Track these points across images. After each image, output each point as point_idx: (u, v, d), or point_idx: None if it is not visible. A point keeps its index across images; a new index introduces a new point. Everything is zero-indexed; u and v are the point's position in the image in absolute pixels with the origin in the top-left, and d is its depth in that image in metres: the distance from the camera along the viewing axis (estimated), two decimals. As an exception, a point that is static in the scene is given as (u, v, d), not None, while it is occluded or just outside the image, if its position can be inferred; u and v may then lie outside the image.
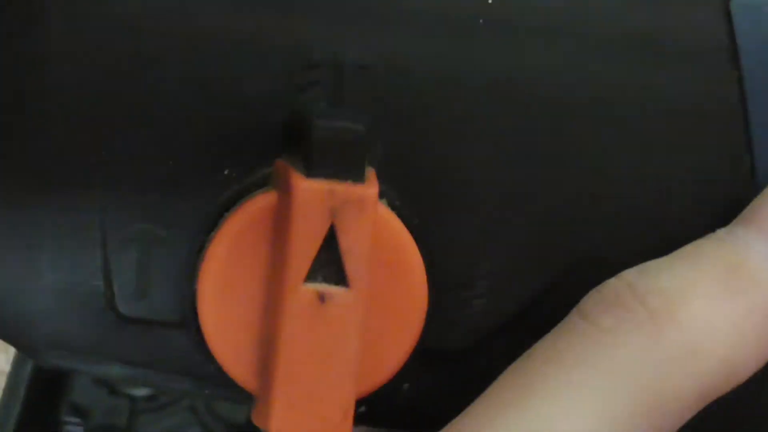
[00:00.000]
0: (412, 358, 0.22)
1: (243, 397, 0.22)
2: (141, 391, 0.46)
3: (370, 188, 0.21)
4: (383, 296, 0.22)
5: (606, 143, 0.23)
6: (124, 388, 0.48)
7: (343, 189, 0.20)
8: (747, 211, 0.23)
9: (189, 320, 0.22)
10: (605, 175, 0.23)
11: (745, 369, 0.22)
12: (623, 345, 0.21)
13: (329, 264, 0.21)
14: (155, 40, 0.22)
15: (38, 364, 0.24)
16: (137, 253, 0.22)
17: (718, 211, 0.23)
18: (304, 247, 0.20)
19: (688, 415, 0.22)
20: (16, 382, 0.47)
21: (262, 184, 0.22)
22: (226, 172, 0.22)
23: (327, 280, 0.21)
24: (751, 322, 0.21)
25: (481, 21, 0.22)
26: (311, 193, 0.20)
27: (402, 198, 0.22)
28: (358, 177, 0.21)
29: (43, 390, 0.47)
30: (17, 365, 0.50)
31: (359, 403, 0.22)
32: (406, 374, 0.23)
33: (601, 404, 0.20)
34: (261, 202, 0.21)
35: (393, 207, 0.22)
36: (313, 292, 0.20)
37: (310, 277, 0.20)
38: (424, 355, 0.23)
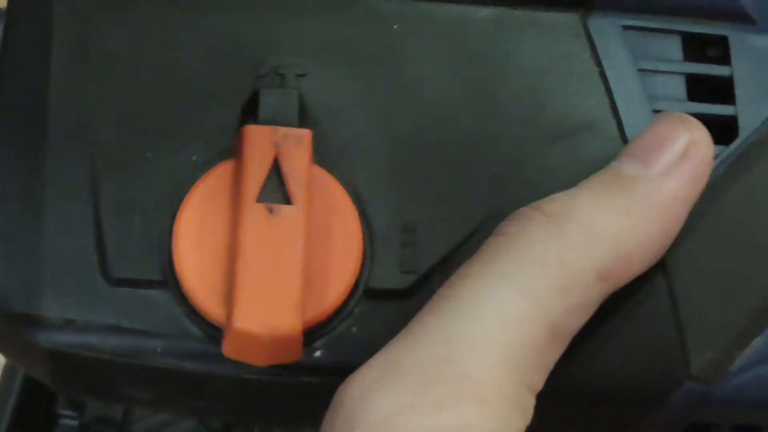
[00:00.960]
0: (357, 300, 0.27)
1: (217, 361, 0.26)
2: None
3: (305, 129, 0.26)
4: (323, 239, 0.27)
5: (502, 124, 0.29)
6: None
7: (283, 128, 0.26)
8: (623, 150, 0.28)
9: (168, 275, 0.27)
10: (504, 147, 0.29)
11: (638, 258, 0.26)
12: (528, 241, 0.25)
13: (276, 188, 0.26)
14: (143, 56, 0.28)
15: (43, 359, 0.27)
16: (125, 220, 0.27)
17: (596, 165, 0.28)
18: (255, 173, 0.26)
19: (592, 296, 0.25)
20: (12, 374, 0.49)
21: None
22: (193, 158, 0.28)
23: (274, 200, 0.26)
24: (633, 215, 0.26)
25: (395, 27, 0.29)
26: (259, 130, 0.26)
27: (338, 164, 0.28)
28: (296, 124, 0.27)
29: (39, 383, 0.49)
30: (14, 362, 0.51)
31: (314, 346, 0.27)
32: (355, 317, 0.27)
33: (521, 286, 0.25)
34: (220, 168, 0.27)
35: (329, 171, 0.27)
36: (263, 207, 0.26)
37: (261, 197, 0.26)
38: (368, 296, 0.27)
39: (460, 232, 0.28)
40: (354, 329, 0.27)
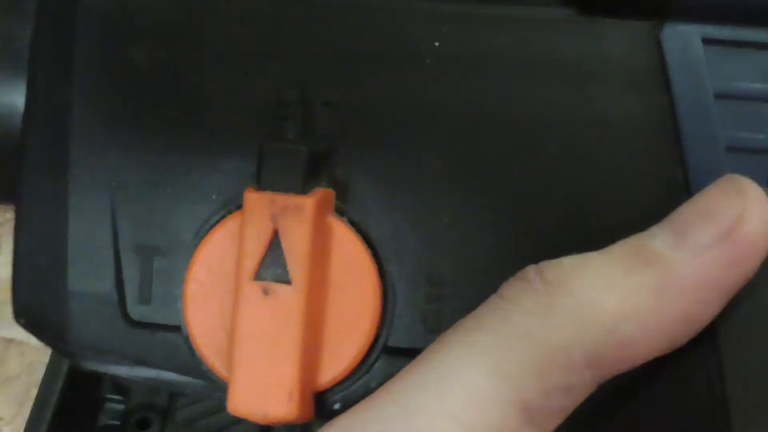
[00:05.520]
0: (377, 357, 0.25)
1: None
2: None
3: (308, 198, 0.24)
4: (338, 298, 0.25)
5: (547, 162, 0.25)
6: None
7: (283, 198, 0.24)
8: (668, 216, 0.24)
9: (182, 323, 0.26)
10: (547, 189, 0.25)
11: (643, 346, 0.23)
12: (518, 310, 0.23)
13: (274, 265, 0.24)
14: (158, 89, 0.26)
15: (78, 367, 0.29)
16: (143, 264, 0.26)
17: (654, 221, 0.25)
18: (252, 248, 0.24)
19: (580, 380, 0.23)
20: (59, 358, 0.50)
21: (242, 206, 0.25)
22: (213, 197, 0.26)
23: (273, 277, 0.24)
24: (643, 298, 0.23)
25: (427, 61, 0.26)
26: (256, 201, 0.24)
27: (362, 215, 0.25)
28: (300, 190, 0.24)
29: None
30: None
31: (334, 399, 0.26)
32: (374, 373, 0.26)
33: (493, 362, 0.22)
34: (233, 220, 0.25)
35: (352, 223, 0.25)
36: (258, 286, 0.24)
37: (259, 275, 0.24)
38: (389, 353, 0.26)
39: (484, 290, 0.25)
40: (373, 384, 0.26)
